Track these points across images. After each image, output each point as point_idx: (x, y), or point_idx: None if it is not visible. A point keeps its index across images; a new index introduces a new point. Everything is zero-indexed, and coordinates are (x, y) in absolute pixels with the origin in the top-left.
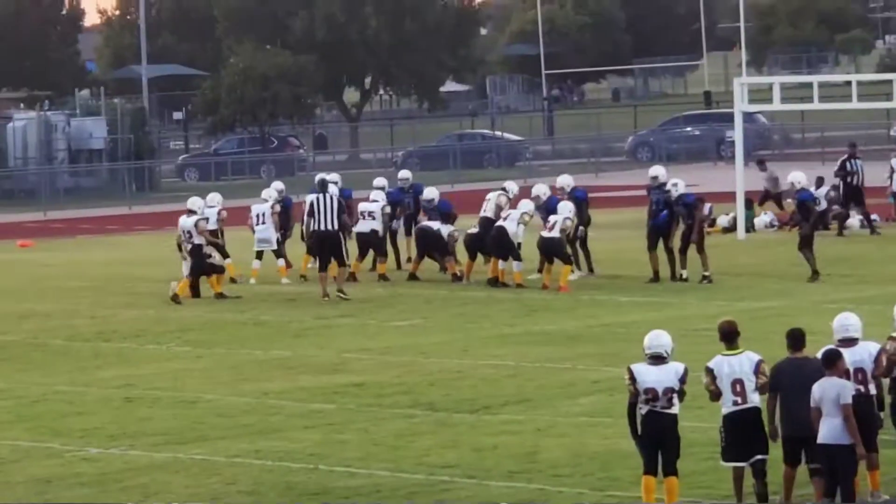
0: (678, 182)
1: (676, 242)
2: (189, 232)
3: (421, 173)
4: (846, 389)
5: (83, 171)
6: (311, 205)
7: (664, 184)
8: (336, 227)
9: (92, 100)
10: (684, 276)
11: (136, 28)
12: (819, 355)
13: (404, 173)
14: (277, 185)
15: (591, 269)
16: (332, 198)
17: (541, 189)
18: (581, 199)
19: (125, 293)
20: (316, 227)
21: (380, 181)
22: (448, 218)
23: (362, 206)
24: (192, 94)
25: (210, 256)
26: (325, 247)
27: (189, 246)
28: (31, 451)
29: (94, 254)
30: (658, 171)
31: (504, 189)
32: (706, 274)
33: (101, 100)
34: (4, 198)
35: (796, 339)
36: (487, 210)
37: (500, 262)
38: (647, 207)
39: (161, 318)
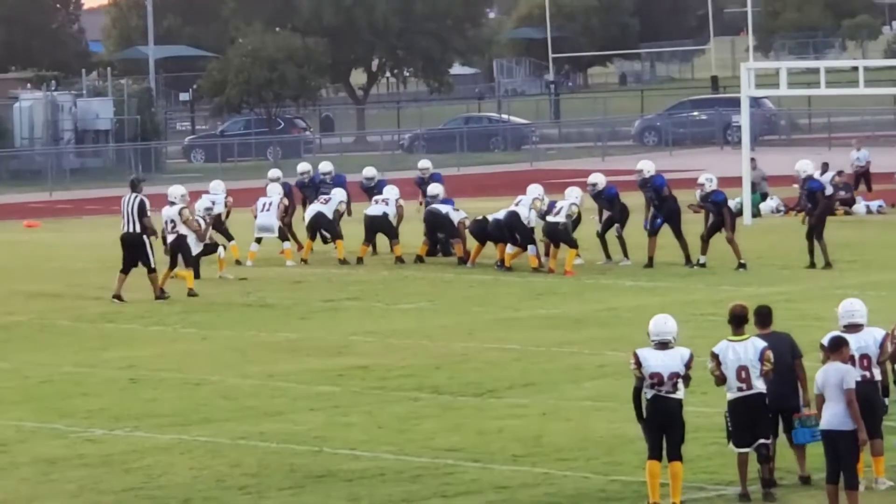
0: (712, 178)
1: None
2: (173, 221)
3: (428, 156)
4: (850, 374)
5: (89, 152)
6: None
7: (650, 178)
8: (139, 229)
9: (99, 81)
10: (702, 262)
11: (143, 9)
12: (824, 341)
13: (324, 165)
14: (274, 172)
15: (626, 255)
16: (136, 199)
17: (597, 178)
18: (612, 195)
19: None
20: (122, 229)
21: (274, 172)
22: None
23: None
24: (198, 76)
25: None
26: (128, 250)
27: (173, 237)
28: (36, 431)
29: (100, 234)
30: (645, 164)
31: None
32: (742, 262)
33: (107, 80)
34: (11, 178)
35: (763, 316)
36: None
37: (508, 246)
38: (644, 198)
39: (166, 300)
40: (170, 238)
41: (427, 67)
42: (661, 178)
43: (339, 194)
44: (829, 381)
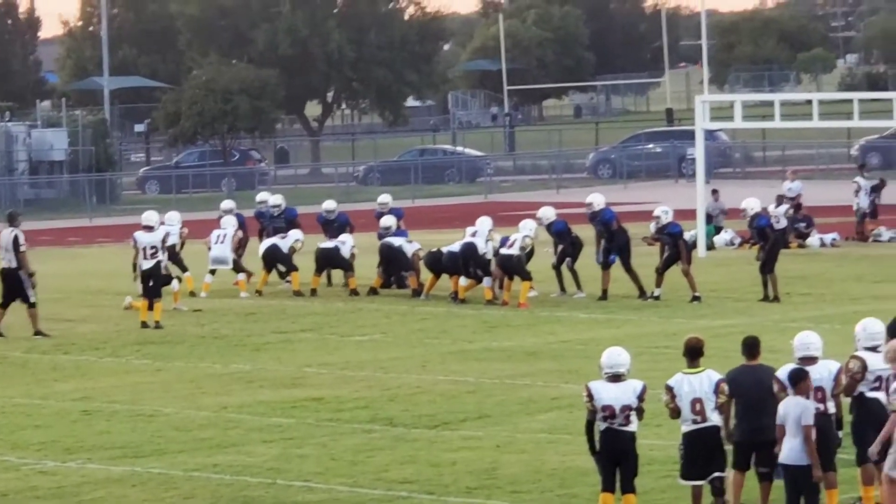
0: (667, 210)
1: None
2: (154, 247)
3: (383, 188)
4: (808, 410)
5: (44, 183)
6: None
7: (599, 212)
8: (16, 264)
9: (53, 111)
10: (656, 295)
11: (99, 40)
12: (779, 374)
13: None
14: (227, 203)
15: (580, 288)
16: (12, 234)
17: (546, 212)
18: (561, 230)
19: (85, 305)
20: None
21: (227, 203)
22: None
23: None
24: (153, 107)
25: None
26: (6, 284)
27: (151, 262)
28: None
29: (54, 266)
30: (594, 198)
31: (529, 234)
32: (697, 294)
33: (62, 111)
34: None
35: (751, 346)
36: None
37: (462, 278)
38: (595, 230)
39: (120, 331)
40: (146, 265)
41: (382, 99)
42: (610, 212)
43: (296, 234)
44: (790, 414)
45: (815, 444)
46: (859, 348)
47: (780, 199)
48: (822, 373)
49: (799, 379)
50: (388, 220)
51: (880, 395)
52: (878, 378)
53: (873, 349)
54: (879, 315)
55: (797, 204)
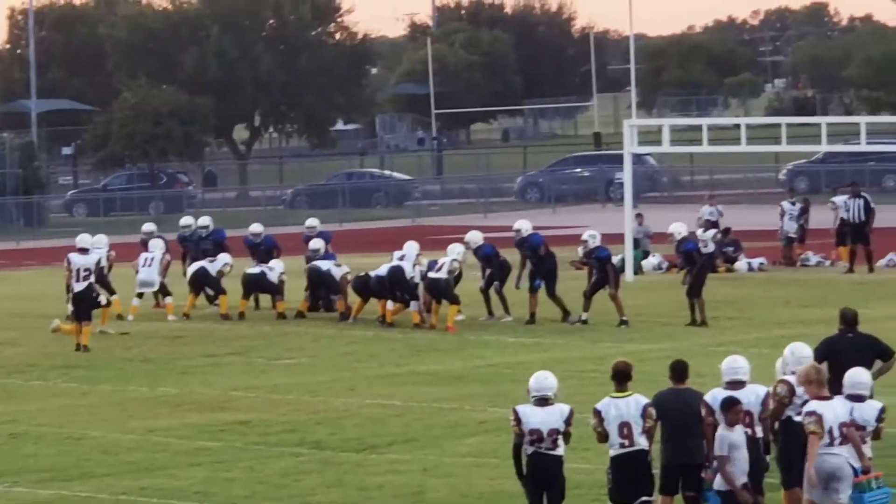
0: (595, 234)
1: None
2: (88, 269)
3: (311, 211)
4: (724, 440)
5: None
6: None
7: (526, 237)
8: None
9: None
10: (584, 319)
11: (27, 62)
12: (707, 398)
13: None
14: (148, 226)
15: (507, 312)
16: None
17: (473, 236)
18: (488, 254)
19: (11, 328)
20: None
21: (148, 226)
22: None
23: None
24: (81, 130)
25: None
26: None
27: (83, 285)
28: None
29: None
30: (521, 224)
31: (457, 258)
32: (624, 318)
33: None
34: None
35: (679, 370)
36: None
37: (389, 302)
38: (520, 256)
39: (48, 354)
40: (78, 287)
41: (310, 123)
42: (538, 237)
43: (224, 258)
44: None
45: (748, 468)
46: (787, 372)
47: (708, 224)
48: (750, 397)
49: (730, 406)
50: (317, 243)
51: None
52: (806, 402)
53: None
54: (806, 339)
55: (726, 228)
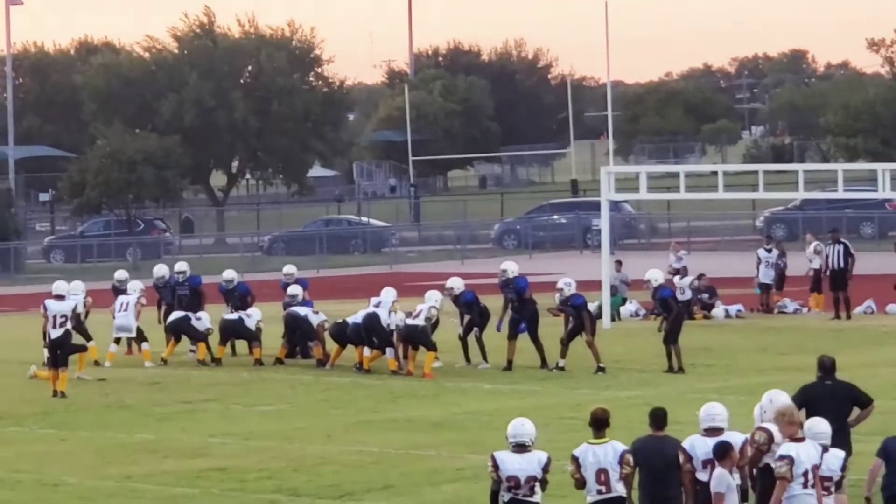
0: (570, 282)
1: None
2: (64, 316)
3: (288, 258)
4: (724, 478)
5: None
6: None
7: (512, 279)
8: None
9: None
10: (561, 366)
11: (3, 109)
12: (685, 445)
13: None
14: (120, 273)
15: (485, 359)
16: None
17: (454, 283)
18: (469, 300)
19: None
20: None
21: (120, 273)
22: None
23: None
24: (58, 176)
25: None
26: None
27: (60, 332)
28: None
29: None
30: (508, 265)
31: (434, 305)
32: (601, 365)
33: None
34: None
35: (658, 417)
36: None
37: (366, 348)
38: (503, 299)
39: (24, 400)
40: (54, 333)
41: (287, 169)
42: (523, 280)
43: (206, 321)
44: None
45: None
46: (765, 419)
47: (684, 271)
48: None
49: (725, 451)
50: (295, 289)
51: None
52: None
53: None
54: (784, 386)
55: (700, 274)
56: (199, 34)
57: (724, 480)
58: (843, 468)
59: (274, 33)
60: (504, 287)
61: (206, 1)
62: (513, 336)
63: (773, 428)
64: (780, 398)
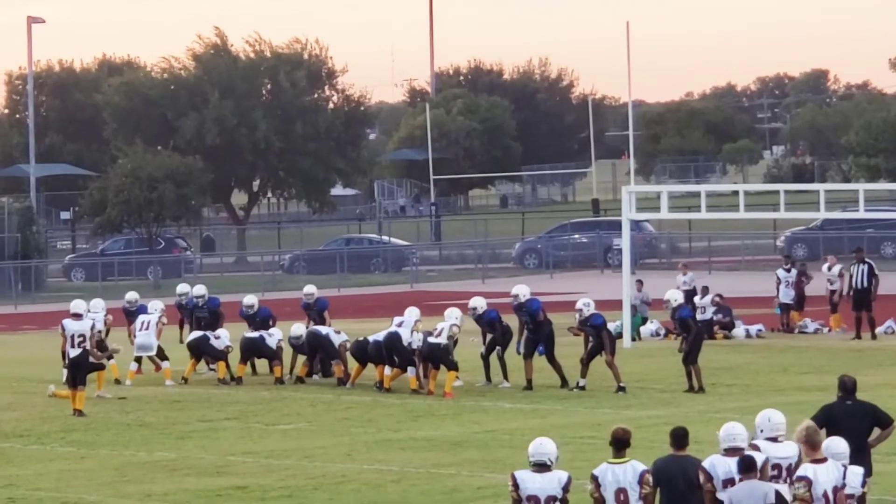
0: (589, 302)
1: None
2: (83, 335)
3: (309, 277)
4: (771, 491)
5: None
6: None
7: (525, 302)
8: None
9: None
10: (582, 385)
11: (25, 127)
12: (705, 464)
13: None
14: (131, 295)
15: (506, 378)
16: None
17: (477, 302)
18: (492, 319)
19: (9, 392)
20: None
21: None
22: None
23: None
24: (79, 194)
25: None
26: None
27: (78, 351)
28: None
29: None
30: (520, 289)
31: (456, 323)
32: (622, 385)
33: None
34: None
35: (679, 437)
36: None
37: (387, 367)
38: (518, 321)
39: (45, 418)
40: (73, 352)
41: (308, 188)
42: (536, 302)
43: (226, 339)
44: (750, 497)
45: None
46: (760, 438)
47: (705, 290)
48: None
49: (752, 464)
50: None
51: (781, 487)
52: (777, 467)
53: (774, 439)
54: (805, 406)
55: (716, 294)
56: (215, 54)
57: (740, 500)
58: (864, 484)
59: (285, 51)
60: (518, 310)
61: (216, 22)
62: (528, 355)
63: (766, 445)
64: (776, 417)
